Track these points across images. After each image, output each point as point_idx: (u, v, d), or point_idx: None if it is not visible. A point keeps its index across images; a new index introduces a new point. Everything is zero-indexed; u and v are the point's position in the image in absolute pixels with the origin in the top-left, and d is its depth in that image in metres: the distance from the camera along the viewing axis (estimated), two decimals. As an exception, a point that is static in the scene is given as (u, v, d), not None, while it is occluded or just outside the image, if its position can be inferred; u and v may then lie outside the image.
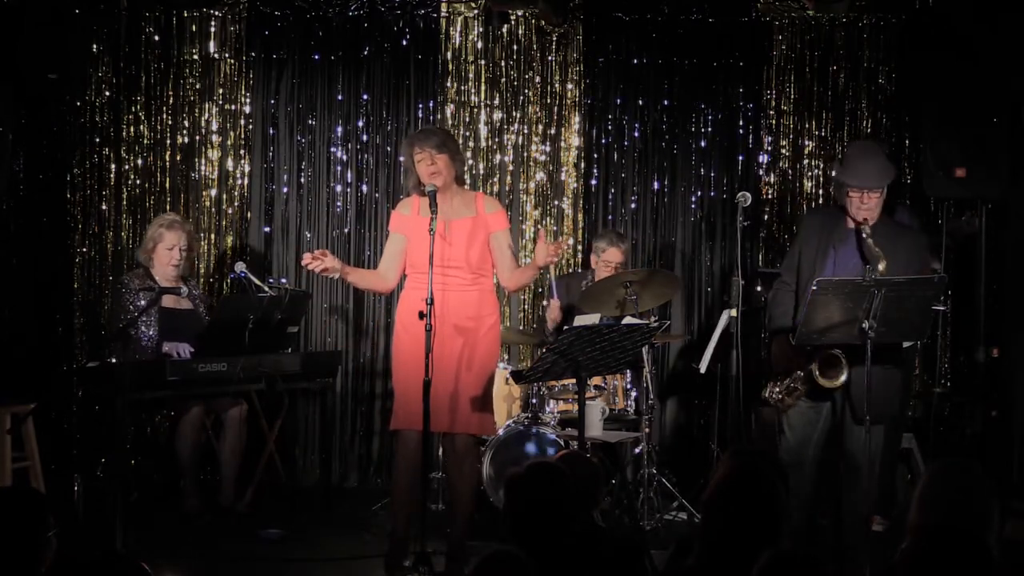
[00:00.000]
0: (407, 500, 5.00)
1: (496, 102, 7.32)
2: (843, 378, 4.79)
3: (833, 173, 6.76)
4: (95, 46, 7.16)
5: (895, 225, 5.14)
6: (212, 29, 7.25)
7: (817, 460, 4.98)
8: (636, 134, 7.34)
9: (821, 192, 7.26)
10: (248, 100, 7.28)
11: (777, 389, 4.97)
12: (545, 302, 7.22)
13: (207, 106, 7.28)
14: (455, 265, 4.97)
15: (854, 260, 4.88)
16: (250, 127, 7.29)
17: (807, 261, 4.96)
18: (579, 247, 7.34)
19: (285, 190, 7.28)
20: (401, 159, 5.14)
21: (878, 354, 4.65)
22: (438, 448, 5.96)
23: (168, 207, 7.20)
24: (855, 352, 4.72)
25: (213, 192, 7.30)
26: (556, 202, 7.36)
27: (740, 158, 7.31)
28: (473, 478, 5.17)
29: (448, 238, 4.96)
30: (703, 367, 6.29)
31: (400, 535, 5.01)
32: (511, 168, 7.34)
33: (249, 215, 7.30)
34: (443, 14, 7.30)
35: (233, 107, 7.29)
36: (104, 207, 7.22)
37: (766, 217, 7.32)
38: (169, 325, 6.12)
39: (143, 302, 5.97)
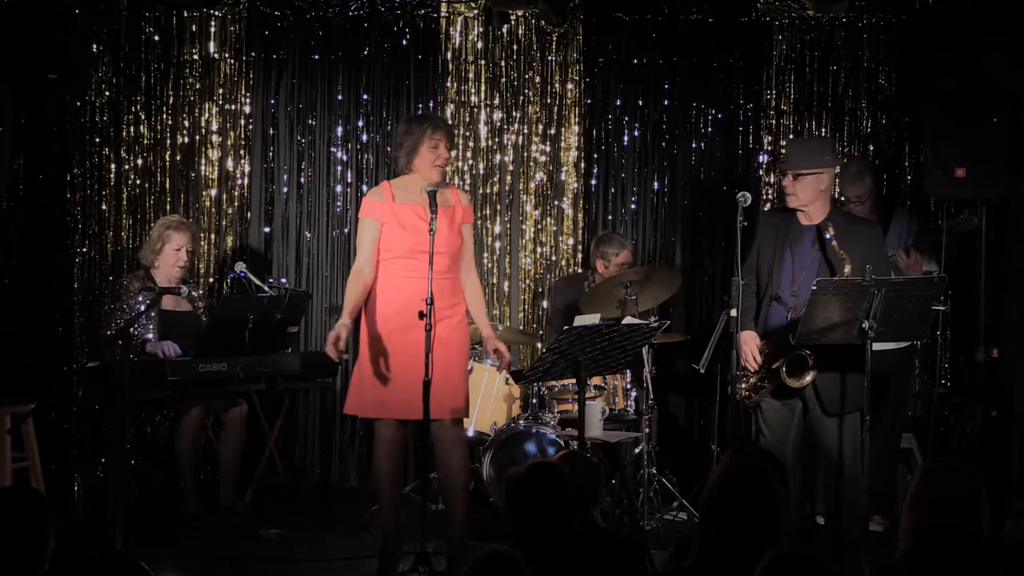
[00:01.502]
0: (395, 494, 5.01)
1: (496, 102, 7.32)
2: (808, 379, 4.82)
3: None
4: (95, 46, 7.16)
5: (853, 219, 5.17)
6: (212, 29, 7.25)
7: (798, 457, 5.02)
8: (636, 134, 7.34)
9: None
10: (248, 100, 7.28)
11: (743, 387, 5.02)
12: (545, 303, 7.23)
13: (207, 106, 7.28)
14: (441, 251, 4.94)
15: (810, 257, 4.94)
16: (250, 127, 7.29)
17: (765, 262, 5.05)
18: (579, 247, 7.34)
19: (285, 190, 7.28)
20: (405, 133, 5.03)
21: (845, 351, 4.68)
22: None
23: (168, 207, 7.20)
24: (823, 351, 4.75)
25: (213, 192, 7.30)
26: (556, 202, 7.36)
27: (740, 158, 7.31)
28: (467, 468, 5.16)
29: (439, 223, 4.92)
30: (703, 367, 6.29)
31: (391, 529, 5.00)
32: (511, 168, 7.34)
33: (249, 215, 7.30)
34: (443, 14, 7.30)
35: (233, 107, 7.29)
36: (104, 207, 7.22)
37: (766, 217, 7.32)
38: (168, 327, 6.12)
39: (142, 303, 5.97)
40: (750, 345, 5.00)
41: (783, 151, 5.09)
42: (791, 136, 7.30)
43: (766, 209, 7.03)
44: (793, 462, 4.99)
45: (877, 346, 4.80)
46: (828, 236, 4.78)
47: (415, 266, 4.90)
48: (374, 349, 4.96)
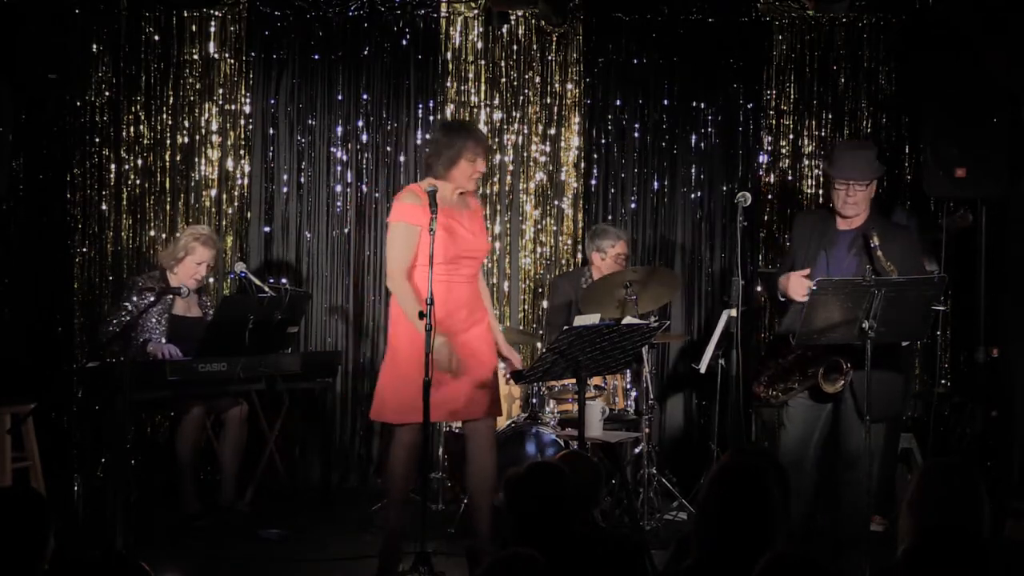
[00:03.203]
0: (406, 495, 5.01)
1: (496, 102, 7.32)
2: (842, 384, 4.82)
3: (822, 167, 6.81)
4: (95, 46, 7.16)
5: (889, 225, 5.16)
6: (212, 29, 7.25)
7: (817, 459, 5.00)
8: (636, 134, 7.35)
9: (821, 192, 7.26)
10: (248, 100, 7.28)
11: (772, 388, 5.01)
12: (545, 303, 7.23)
13: (207, 106, 7.28)
14: (477, 256, 5.06)
15: (847, 261, 4.91)
16: (250, 127, 7.29)
17: (800, 263, 5.00)
18: (579, 247, 7.34)
19: (285, 190, 7.28)
20: (445, 143, 4.99)
21: (880, 355, 4.66)
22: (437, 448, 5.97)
23: (168, 207, 7.20)
24: (857, 354, 4.74)
25: (213, 192, 7.30)
26: (556, 202, 7.36)
27: (740, 158, 7.31)
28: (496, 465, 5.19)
29: (471, 228, 5.04)
30: (703, 367, 6.29)
31: (396, 531, 5.01)
32: (511, 168, 7.34)
33: (249, 215, 7.30)
34: (443, 14, 7.30)
35: (233, 107, 7.29)
36: (104, 207, 7.21)
37: (766, 217, 7.33)
38: (177, 332, 6.11)
39: (147, 302, 5.97)
40: (798, 278, 4.89)
41: (834, 158, 4.98)
42: (791, 136, 7.31)
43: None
44: (812, 463, 4.99)
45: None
46: (873, 245, 4.76)
47: (456, 271, 4.94)
48: (418, 355, 4.90)
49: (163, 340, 6.06)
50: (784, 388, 4.99)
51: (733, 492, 2.92)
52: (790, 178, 7.34)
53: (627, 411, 6.24)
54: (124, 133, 7.22)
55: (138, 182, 7.26)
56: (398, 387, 4.93)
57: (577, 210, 7.38)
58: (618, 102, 7.33)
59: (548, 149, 7.35)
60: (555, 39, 7.33)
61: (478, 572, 2.84)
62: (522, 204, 7.36)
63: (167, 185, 7.27)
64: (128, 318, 5.92)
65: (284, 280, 7.22)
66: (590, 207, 7.36)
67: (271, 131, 7.28)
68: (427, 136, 7.26)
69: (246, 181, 7.31)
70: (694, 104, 7.31)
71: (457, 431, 5.95)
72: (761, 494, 2.91)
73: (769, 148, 7.34)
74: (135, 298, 6.06)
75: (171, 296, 5.96)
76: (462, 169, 4.97)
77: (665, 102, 7.33)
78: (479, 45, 7.33)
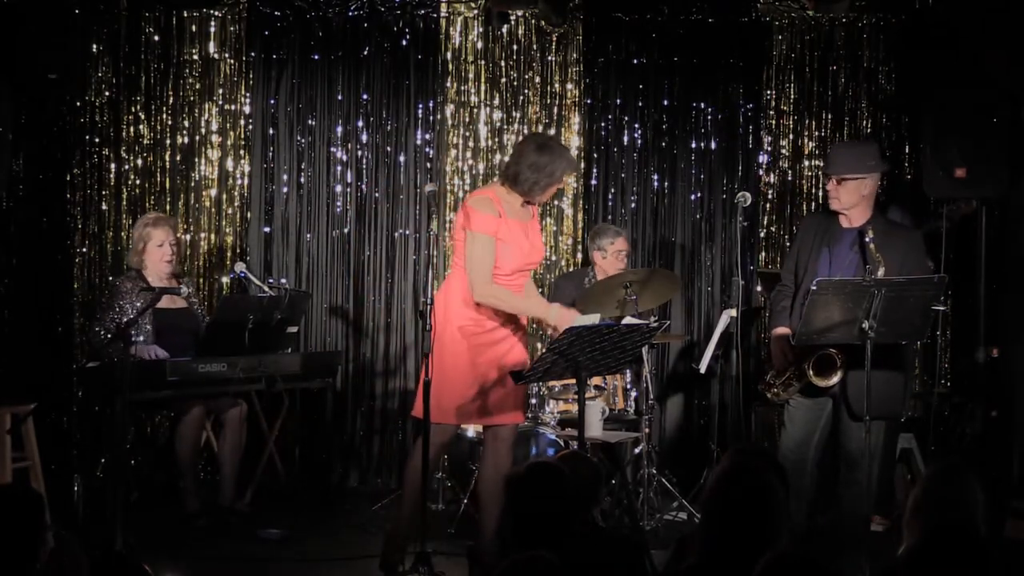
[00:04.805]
0: (422, 495, 5.00)
1: (496, 102, 7.32)
2: (836, 378, 4.82)
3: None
4: (95, 46, 7.15)
5: (891, 224, 5.18)
6: (212, 29, 7.25)
7: (817, 459, 5.01)
8: (636, 134, 7.34)
9: (821, 192, 7.26)
10: (248, 100, 7.28)
11: (775, 386, 5.02)
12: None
13: (207, 106, 7.28)
14: (534, 266, 5.13)
15: (849, 258, 4.93)
16: (250, 127, 7.28)
17: (803, 263, 5.03)
18: (579, 247, 7.34)
19: (285, 190, 7.28)
20: (546, 166, 4.94)
21: (880, 354, 4.67)
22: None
23: (168, 207, 7.20)
24: (854, 351, 4.74)
25: (213, 192, 7.30)
26: (556, 202, 7.35)
27: (740, 158, 7.31)
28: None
29: (533, 240, 5.07)
30: (703, 367, 6.29)
31: (403, 531, 5.00)
32: (511, 168, 7.33)
33: (249, 215, 7.29)
34: (443, 14, 7.30)
35: (233, 107, 7.29)
36: (104, 207, 7.21)
37: (766, 217, 7.33)
38: (163, 325, 6.11)
39: (138, 303, 5.96)
40: (781, 342, 5.01)
41: (828, 154, 5.13)
42: (791, 136, 7.32)
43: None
44: (811, 464, 4.99)
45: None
46: (867, 239, 4.78)
47: (512, 281, 4.99)
48: (469, 359, 4.97)
49: (151, 334, 6.05)
50: (783, 383, 5.00)
51: (736, 492, 2.92)
52: (790, 178, 7.34)
53: (627, 411, 6.24)
54: (124, 133, 7.22)
55: (138, 182, 7.26)
56: (438, 388, 4.95)
57: (577, 210, 7.38)
58: (618, 102, 7.32)
59: (548, 149, 7.33)
60: (555, 39, 7.33)
61: (495, 573, 2.82)
62: (522, 204, 7.35)
63: (167, 185, 7.27)
64: (113, 325, 5.91)
65: (284, 280, 7.21)
66: (590, 207, 7.36)
67: (271, 131, 7.27)
68: (427, 136, 7.28)
69: (246, 181, 7.30)
70: (694, 104, 7.31)
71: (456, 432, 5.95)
72: (764, 494, 2.91)
73: (769, 148, 7.34)
74: (119, 300, 6.06)
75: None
76: (548, 191, 5.05)
77: (665, 102, 7.33)
78: (479, 45, 7.33)
